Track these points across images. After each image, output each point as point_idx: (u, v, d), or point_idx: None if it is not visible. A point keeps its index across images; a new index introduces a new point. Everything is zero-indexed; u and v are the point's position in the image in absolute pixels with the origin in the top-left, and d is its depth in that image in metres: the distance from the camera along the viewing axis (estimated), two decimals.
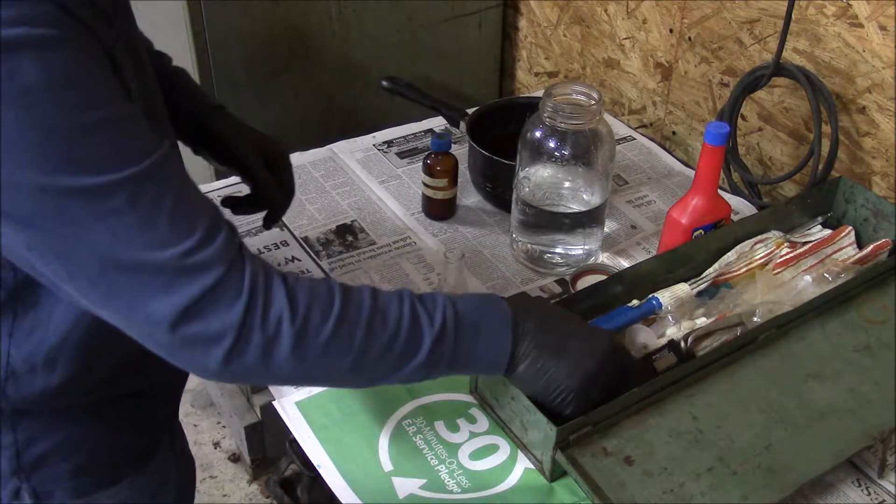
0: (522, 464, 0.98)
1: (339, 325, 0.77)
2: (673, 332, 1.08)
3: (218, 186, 1.45)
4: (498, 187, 1.37)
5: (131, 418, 0.98)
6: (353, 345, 0.78)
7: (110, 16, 0.77)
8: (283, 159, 1.15)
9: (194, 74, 1.68)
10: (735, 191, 1.51)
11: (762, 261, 1.20)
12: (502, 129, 1.41)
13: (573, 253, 1.29)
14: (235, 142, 1.11)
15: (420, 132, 1.63)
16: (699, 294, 1.15)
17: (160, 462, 1.05)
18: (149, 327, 0.72)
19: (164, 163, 0.72)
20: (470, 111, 1.47)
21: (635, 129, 1.70)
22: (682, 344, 1.05)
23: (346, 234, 1.37)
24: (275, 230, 1.35)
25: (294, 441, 1.05)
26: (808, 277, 1.17)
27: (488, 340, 0.85)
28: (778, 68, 1.38)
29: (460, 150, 1.45)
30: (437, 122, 1.61)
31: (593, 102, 1.19)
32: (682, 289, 1.13)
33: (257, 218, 1.36)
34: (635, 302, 1.12)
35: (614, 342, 0.94)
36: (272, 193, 1.14)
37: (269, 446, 1.88)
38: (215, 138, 1.11)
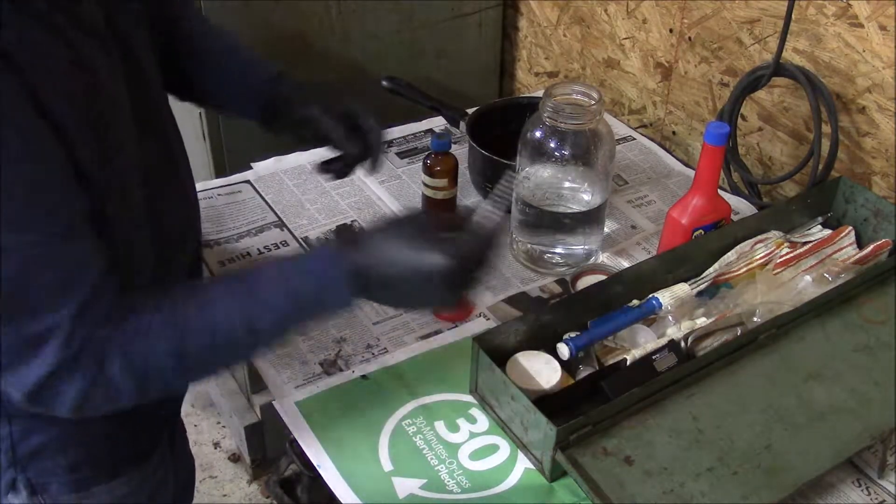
0: (522, 464, 0.98)
1: (183, 367, 0.80)
2: (673, 332, 1.08)
3: (217, 185, 1.45)
4: None
5: (128, 420, 0.97)
6: (203, 370, 0.86)
7: (99, 32, 0.77)
8: (352, 111, 1.09)
9: None
10: (735, 191, 1.50)
11: (762, 261, 1.20)
12: (502, 129, 1.41)
13: (573, 253, 1.29)
14: (304, 113, 1.08)
15: (420, 132, 1.63)
16: (699, 294, 1.15)
17: (158, 461, 1.05)
18: (5, 392, 0.77)
19: (50, 237, 0.72)
20: (470, 111, 1.47)
21: (635, 129, 1.70)
22: (682, 344, 1.05)
23: (346, 234, 1.36)
24: (274, 230, 1.35)
25: (294, 441, 1.05)
26: (808, 277, 1.17)
27: (331, 304, 0.84)
28: (778, 68, 1.38)
29: (460, 150, 1.45)
30: (437, 122, 1.61)
31: (593, 102, 1.19)
32: (682, 289, 1.13)
33: (257, 218, 1.37)
34: (635, 302, 1.12)
35: (450, 260, 0.81)
36: (350, 154, 1.09)
37: (269, 446, 1.87)
38: (286, 114, 1.09)
